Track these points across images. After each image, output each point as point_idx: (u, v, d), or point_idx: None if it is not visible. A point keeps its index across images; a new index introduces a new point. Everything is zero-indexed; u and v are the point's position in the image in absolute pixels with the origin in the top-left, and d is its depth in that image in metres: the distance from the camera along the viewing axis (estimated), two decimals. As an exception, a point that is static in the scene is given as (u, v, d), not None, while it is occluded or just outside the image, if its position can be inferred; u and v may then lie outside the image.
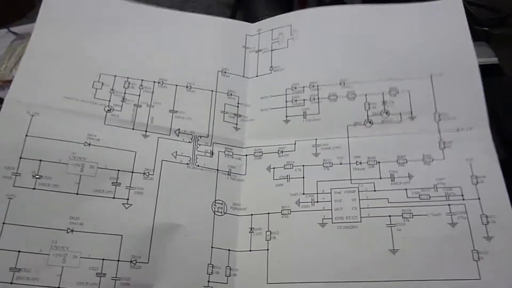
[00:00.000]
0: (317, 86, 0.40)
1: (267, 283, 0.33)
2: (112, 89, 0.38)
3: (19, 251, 0.31)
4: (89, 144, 0.35)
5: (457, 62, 0.37)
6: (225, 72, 0.41)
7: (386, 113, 0.37)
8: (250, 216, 0.36)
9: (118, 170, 0.35)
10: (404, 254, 0.32)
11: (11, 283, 0.31)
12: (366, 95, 0.38)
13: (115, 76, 0.39)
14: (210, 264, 0.34)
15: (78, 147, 0.35)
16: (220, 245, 0.35)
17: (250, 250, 0.35)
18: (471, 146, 0.35)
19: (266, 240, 0.35)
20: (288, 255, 0.34)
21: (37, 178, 0.33)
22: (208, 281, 0.34)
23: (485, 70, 0.37)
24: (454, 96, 0.36)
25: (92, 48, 0.39)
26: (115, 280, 0.32)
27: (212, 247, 0.35)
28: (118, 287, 0.32)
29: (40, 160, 0.34)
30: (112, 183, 0.35)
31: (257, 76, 0.42)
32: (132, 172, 0.35)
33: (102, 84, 0.38)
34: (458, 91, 0.36)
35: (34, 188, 0.33)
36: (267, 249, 0.35)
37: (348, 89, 0.39)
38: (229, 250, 0.35)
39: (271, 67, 0.42)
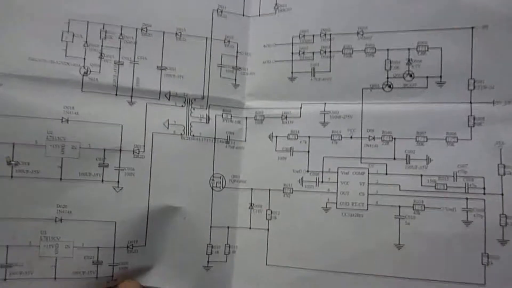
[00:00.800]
0: (330, 34, 0.33)
1: (266, 265, 0.33)
2: (86, 42, 0.32)
3: (7, 246, 0.30)
4: (67, 120, 0.31)
5: (509, 15, 0.30)
6: (221, 11, 0.34)
7: (410, 75, 0.32)
8: (250, 190, 0.34)
9: (104, 149, 0.32)
10: (409, 251, 0.31)
11: (5, 279, 0.30)
12: (388, 51, 0.32)
13: (88, 22, 0.32)
14: (210, 244, 0.33)
15: (55, 124, 0.31)
16: (219, 223, 0.33)
17: (250, 228, 0.34)
18: (505, 127, 0.30)
19: (267, 220, 0.33)
20: (288, 239, 0.33)
21: (13, 164, 0.30)
22: (208, 261, 0.33)
23: None
24: (497, 58, 0.30)
25: None
26: (113, 266, 0.31)
27: (211, 227, 0.33)
28: (116, 271, 0.31)
29: (14, 143, 0.30)
30: (99, 164, 0.31)
31: (259, 15, 0.35)
32: (120, 150, 0.32)
33: (73, 35, 0.32)
34: (504, 52, 0.30)
35: (11, 177, 0.30)
36: (267, 229, 0.33)
37: (367, 41, 0.33)
38: (228, 227, 0.34)
39: (276, 5, 0.35)
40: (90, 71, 0.32)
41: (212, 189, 0.34)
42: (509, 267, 0.29)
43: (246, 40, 0.35)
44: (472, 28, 0.31)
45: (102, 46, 0.32)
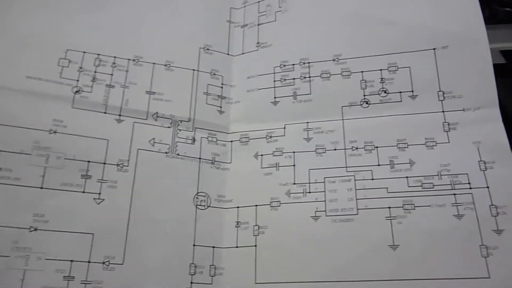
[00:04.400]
0: (308, 63, 0.36)
1: (255, 283, 0.30)
2: (81, 67, 0.34)
3: None
4: (55, 132, 0.32)
5: (464, 35, 0.33)
6: (207, 49, 0.37)
7: (385, 92, 0.34)
8: (237, 208, 0.33)
9: (89, 161, 0.31)
10: (405, 250, 0.29)
11: (-34, 290, 0.27)
12: (362, 73, 0.35)
13: (84, 52, 0.35)
14: (193, 263, 0.31)
15: (43, 135, 0.31)
16: (204, 242, 0.32)
17: (237, 247, 0.32)
18: (478, 128, 0.31)
19: (254, 236, 0.32)
20: (278, 252, 0.31)
21: (-5, 170, 0.30)
22: (191, 282, 0.31)
23: (509, 56, 0.33)
24: (460, 72, 0.33)
25: (57, 21, 0.35)
26: (85, 283, 0.29)
27: (194, 245, 0.31)
28: (89, 292, 0.29)
29: (-1, 151, 0.30)
30: (82, 175, 0.31)
31: (242, 53, 0.38)
32: (104, 163, 0.32)
33: (69, 61, 0.34)
34: (465, 66, 0.33)
35: None
36: (255, 245, 0.32)
37: (342, 66, 0.35)
38: (213, 247, 0.32)
39: (258, 43, 0.38)
40: (81, 90, 0.33)
41: (196, 207, 0.33)
42: (510, 256, 0.28)
43: (230, 74, 0.38)
44: (434, 49, 0.34)
45: (95, 72, 0.34)
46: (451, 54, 0.33)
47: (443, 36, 0.34)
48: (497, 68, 0.32)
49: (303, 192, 0.32)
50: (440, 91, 0.33)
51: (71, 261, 0.29)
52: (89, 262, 0.29)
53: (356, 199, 0.31)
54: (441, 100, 0.33)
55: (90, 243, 0.30)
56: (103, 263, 0.29)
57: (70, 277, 0.29)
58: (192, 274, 0.31)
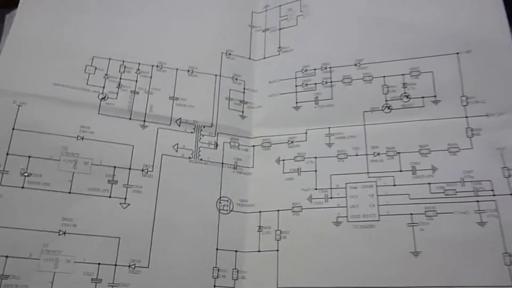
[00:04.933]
0: (330, 68, 0.36)
1: (278, 287, 0.31)
2: (107, 74, 0.35)
3: (7, 256, 0.29)
4: (82, 138, 0.32)
5: (488, 38, 0.33)
6: (229, 54, 0.38)
7: (407, 97, 0.34)
8: (259, 213, 0.33)
9: (115, 167, 0.32)
10: (427, 257, 0.29)
11: (-1, 291, 0.28)
12: (384, 77, 0.35)
13: (109, 59, 0.35)
14: (216, 267, 0.32)
15: (71, 141, 0.32)
16: (226, 246, 0.32)
17: (259, 251, 0.32)
18: (502, 134, 0.31)
19: (276, 240, 0.32)
20: (300, 257, 0.31)
21: (25, 175, 0.31)
22: (214, 286, 0.31)
23: None
24: (484, 77, 0.32)
25: (83, 29, 0.36)
26: (112, 286, 0.30)
27: (217, 249, 0.32)
28: (116, 294, 0.30)
29: (29, 156, 0.31)
30: (108, 180, 0.32)
31: (264, 58, 0.39)
32: (130, 168, 0.33)
33: (95, 68, 0.35)
34: (488, 71, 0.32)
35: (22, 187, 0.30)
36: (277, 250, 0.32)
37: (364, 71, 0.35)
38: (236, 251, 0.32)
39: (280, 47, 0.38)
40: (107, 97, 0.34)
41: (219, 211, 0.33)
42: None
43: (252, 79, 0.38)
44: (457, 53, 0.34)
45: (120, 78, 0.35)
46: (474, 59, 0.33)
47: (466, 40, 0.34)
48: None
49: (324, 198, 0.32)
50: (463, 96, 0.32)
51: (99, 264, 0.30)
52: (115, 265, 0.30)
53: (378, 205, 0.31)
54: (464, 106, 0.32)
55: (117, 246, 0.30)
56: (129, 266, 0.30)
57: (97, 280, 0.30)
58: (215, 278, 0.31)
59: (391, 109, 0.34)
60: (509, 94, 0.32)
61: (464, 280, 0.28)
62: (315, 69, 0.36)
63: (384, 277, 0.29)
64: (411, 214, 0.30)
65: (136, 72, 0.36)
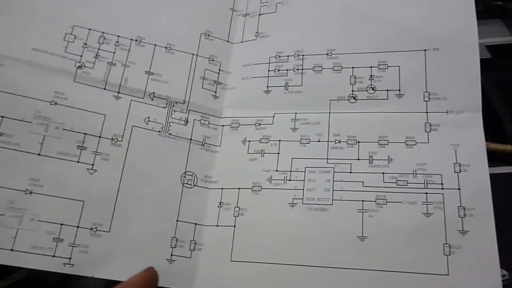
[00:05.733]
0: (302, 55, 0.37)
1: (231, 261, 0.32)
2: (85, 44, 0.36)
3: None
4: (56, 103, 0.34)
5: (456, 38, 0.34)
6: (208, 35, 0.39)
7: (372, 88, 0.35)
8: (221, 190, 0.35)
9: (85, 134, 0.34)
10: (372, 242, 0.31)
11: (-40, 243, 0.30)
12: (353, 68, 0.36)
13: (90, 29, 0.36)
14: (174, 237, 0.33)
15: (44, 105, 0.33)
16: (187, 218, 0.34)
17: (217, 225, 0.34)
18: (459, 131, 0.32)
19: (234, 216, 0.34)
20: (254, 234, 0.33)
21: (-3, 135, 0.32)
22: (171, 254, 0.33)
23: (498, 50, 0.33)
24: (448, 75, 0.34)
25: None
26: (73, 246, 0.31)
27: (177, 220, 0.33)
28: (75, 255, 0.31)
29: (2, 117, 0.32)
30: (78, 146, 0.33)
31: (242, 41, 0.40)
32: (100, 137, 0.34)
33: (75, 37, 0.36)
34: (453, 70, 0.34)
35: None
36: (234, 226, 0.33)
37: (334, 61, 0.36)
38: (195, 224, 0.34)
39: (257, 33, 0.39)
40: (84, 66, 0.35)
41: (183, 185, 0.35)
42: (471, 256, 0.29)
43: (228, 61, 0.39)
44: (425, 50, 0.35)
45: (99, 49, 0.36)
46: (441, 57, 0.34)
47: (435, 38, 0.35)
48: (481, 63, 0.33)
49: (283, 180, 0.34)
50: (426, 91, 0.34)
51: (61, 224, 0.31)
52: (78, 227, 0.31)
53: (333, 190, 0.33)
54: (426, 101, 0.34)
55: (80, 209, 0.32)
56: (91, 229, 0.32)
57: (59, 239, 0.31)
58: (173, 247, 0.33)
59: (357, 99, 0.35)
60: (470, 94, 0.33)
61: (404, 266, 0.30)
62: (288, 56, 0.38)
63: (331, 259, 0.31)
64: (363, 201, 0.32)
65: (115, 45, 0.37)
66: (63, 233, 0.31)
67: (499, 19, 0.40)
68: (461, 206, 0.30)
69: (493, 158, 0.34)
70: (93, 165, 0.33)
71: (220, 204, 0.34)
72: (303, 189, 0.33)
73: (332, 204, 0.32)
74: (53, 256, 0.31)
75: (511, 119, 0.32)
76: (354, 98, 0.35)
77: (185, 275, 0.33)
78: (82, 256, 0.31)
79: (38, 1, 0.36)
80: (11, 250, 0.30)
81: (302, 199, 0.33)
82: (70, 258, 0.31)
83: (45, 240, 0.31)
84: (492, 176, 0.30)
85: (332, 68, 0.36)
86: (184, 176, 0.35)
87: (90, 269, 0.31)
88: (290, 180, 0.34)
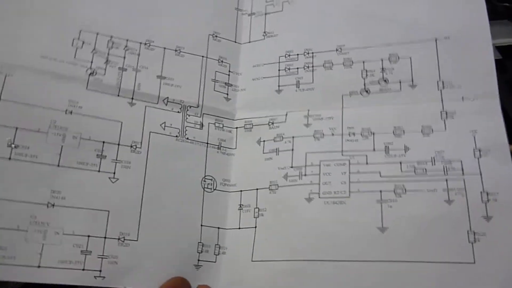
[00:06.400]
0: (312, 53, 0.38)
1: (252, 261, 0.33)
2: (94, 49, 0.35)
3: None
4: (71, 112, 0.33)
5: (466, 25, 0.35)
6: (216, 36, 0.39)
7: (385, 81, 0.35)
8: (240, 192, 0.35)
9: (103, 142, 0.33)
10: (393, 233, 0.31)
11: (-14, 261, 0.28)
12: (363, 62, 0.36)
13: (97, 33, 0.35)
14: (200, 242, 0.33)
15: (59, 114, 0.32)
16: (210, 223, 0.34)
17: (239, 228, 0.34)
18: (476, 117, 0.32)
19: (254, 218, 0.34)
20: (273, 232, 0.33)
21: (13, 147, 0.31)
22: (198, 260, 0.33)
23: (508, 51, 0.33)
24: (461, 62, 0.34)
25: (70, 1, 0.35)
26: (102, 258, 0.30)
27: (202, 225, 0.33)
28: (105, 266, 0.30)
29: (16, 128, 0.31)
30: (97, 155, 0.32)
31: (249, 42, 0.40)
32: (119, 144, 0.33)
33: (83, 42, 0.35)
34: (466, 57, 0.34)
35: (9, 158, 0.30)
36: (255, 227, 0.34)
37: (344, 56, 0.37)
38: (218, 228, 0.34)
39: (265, 32, 0.39)
40: (96, 72, 0.34)
41: (204, 189, 0.35)
42: (497, 243, 0.29)
43: (237, 62, 0.39)
44: (436, 39, 0.35)
45: (108, 54, 0.35)
46: (452, 45, 0.34)
47: (445, 27, 0.35)
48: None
49: (299, 175, 0.34)
50: (439, 81, 0.34)
51: (88, 236, 0.31)
52: (105, 238, 0.31)
53: (349, 182, 0.33)
54: (440, 90, 0.34)
55: (106, 219, 0.31)
56: (119, 239, 0.31)
57: (87, 252, 0.30)
58: (200, 252, 0.33)
59: (369, 92, 0.35)
60: (485, 80, 0.33)
61: (428, 256, 0.30)
62: (297, 54, 0.38)
63: (351, 252, 0.31)
64: (381, 191, 0.32)
65: (124, 49, 0.36)
66: (91, 245, 0.30)
67: (507, 20, 0.41)
68: (483, 192, 0.30)
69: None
70: (114, 173, 0.32)
71: (240, 206, 0.35)
72: (319, 183, 0.33)
73: (349, 197, 0.33)
74: (83, 269, 0.30)
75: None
76: (367, 92, 0.36)
77: (210, 279, 0.33)
78: (112, 267, 0.30)
79: (43, 7, 0.35)
80: (38, 267, 0.29)
81: (319, 193, 0.33)
82: (100, 271, 0.30)
83: (73, 254, 0.30)
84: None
85: (343, 64, 0.37)
86: (204, 181, 0.35)
87: (121, 279, 0.30)
88: (305, 175, 0.34)
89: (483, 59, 0.33)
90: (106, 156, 0.33)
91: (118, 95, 0.34)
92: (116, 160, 0.33)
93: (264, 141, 0.36)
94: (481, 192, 0.31)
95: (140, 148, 0.34)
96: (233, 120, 0.37)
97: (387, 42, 0.36)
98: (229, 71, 0.38)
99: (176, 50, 0.37)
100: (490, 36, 0.34)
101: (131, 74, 0.35)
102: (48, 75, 0.33)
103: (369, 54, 0.36)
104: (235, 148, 0.37)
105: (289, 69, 0.38)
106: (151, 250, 0.32)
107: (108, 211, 0.31)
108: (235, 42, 0.40)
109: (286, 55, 0.38)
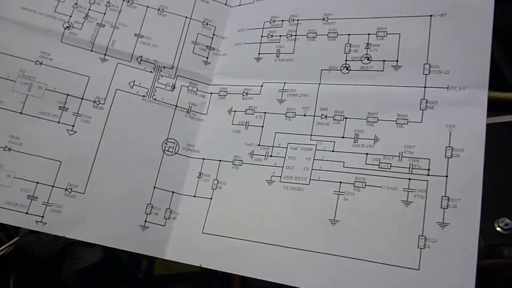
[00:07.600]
0: (298, 20, 0.35)
1: (202, 233, 0.32)
2: (76, 4, 0.35)
3: None
4: (41, 63, 0.34)
5: (468, 2, 0.30)
6: (205, -2, 0.37)
7: (368, 58, 0.32)
8: (202, 160, 0.34)
9: (67, 95, 0.33)
10: (344, 227, 0.29)
11: None
12: (349, 35, 0.33)
13: None
14: (150, 204, 0.33)
15: (29, 64, 0.33)
16: (164, 186, 0.33)
17: (194, 196, 0.33)
18: (458, 110, 0.29)
19: (212, 189, 0.33)
20: (228, 209, 0.32)
21: (-20, 91, 0.32)
22: (145, 221, 0.32)
23: None
24: (453, 45, 0.30)
25: None
26: (46, 205, 0.31)
27: (155, 187, 0.33)
28: (48, 213, 0.31)
29: (-14, 74, 0.33)
30: (59, 107, 0.33)
31: (240, 5, 0.38)
32: (82, 98, 0.34)
33: None
34: (460, 39, 0.30)
35: None
36: (211, 198, 0.32)
37: (330, 26, 0.34)
38: (173, 192, 0.33)
39: (256, -5, 0.37)
40: (72, 26, 0.35)
41: (164, 152, 0.34)
42: (446, 252, 0.26)
43: (224, 25, 0.37)
44: (431, 16, 0.31)
45: (89, 9, 0.35)
46: (448, 24, 0.30)
47: (443, 1, 0.31)
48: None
49: (265, 155, 0.32)
50: (426, 63, 0.30)
51: (37, 183, 0.32)
52: (53, 186, 0.32)
53: (312, 169, 0.31)
54: (426, 74, 0.30)
55: (57, 169, 0.32)
56: (66, 189, 0.32)
57: (33, 197, 0.31)
58: (148, 214, 0.32)
59: (350, 69, 0.32)
60: (476, 68, 0.29)
61: (373, 256, 0.27)
62: (282, 21, 0.35)
63: (298, 240, 0.29)
64: (340, 182, 0.30)
65: (106, 5, 0.36)
66: (38, 191, 0.31)
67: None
68: (445, 196, 0.27)
69: (493, 107, 0.30)
70: (73, 126, 0.33)
71: (200, 174, 0.34)
72: (283, 167, 0.31)
73: (308, 184, 0.30)
74: (26, 213, 0.31)
75: (510, 66, 0.28)
76: (347, 69, 0.32)
77: (157, 242, 0.32)
78: (55, 215, 0.31)
79: None
80: (-15, 206, 0.31)
81: (280, 176, 0.31)
82: (42, 217, 0.31)
83: (20, 197, 0.31)
84: (493, 126, 0.27)
85: (327, 35, 0.33)
86: (166, 143, 0.34)
87: (61, 228, 0.31)
88: (271, 156, 0.32)
89: (480, 43, 0.29)
90: (68, 109, 0.33)
91: (92, 50, 0.35)
92: (77, 113, 0.33)
93: (235, 111, 0.34)
94: (442, 197, 0.27)
95: (103, 104, 0.34)
96: (209, 85, 0.36)
97: (377, 14, 0.32)
98: (214, 34, 0.37)
99: (159, 10, 0.36)
100: (492, 15, 0.29)
101: (108, 31, 0.35)
102: (24, 26, 0.34)
103: (357, 26, 0.33)
104: (206, 114, 0.35)
105: (271, 36, 0.35)
106: (96, 205, 0.32)
107: (61, 161, 0.32)
108: (226, 4, 0.38)
109: (271, 21, 0.36)
